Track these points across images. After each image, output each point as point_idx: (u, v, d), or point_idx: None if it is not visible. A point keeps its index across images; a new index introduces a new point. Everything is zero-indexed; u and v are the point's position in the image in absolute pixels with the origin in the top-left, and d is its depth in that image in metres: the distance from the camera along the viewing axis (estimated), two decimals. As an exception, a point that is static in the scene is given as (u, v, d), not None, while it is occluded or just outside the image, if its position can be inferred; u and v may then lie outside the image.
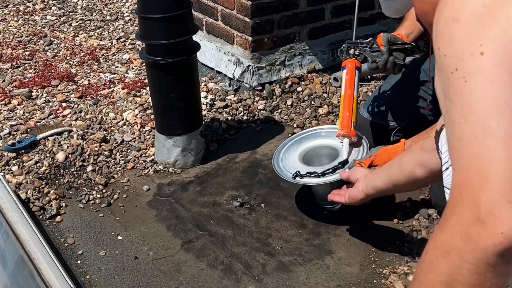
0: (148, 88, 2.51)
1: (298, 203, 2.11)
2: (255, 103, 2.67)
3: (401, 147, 1.85)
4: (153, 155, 2.36)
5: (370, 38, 2.03)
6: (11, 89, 2.86)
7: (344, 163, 1.91)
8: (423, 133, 1.87)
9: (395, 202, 2.09)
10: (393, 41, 1.99)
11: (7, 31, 3.54)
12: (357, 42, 2.01)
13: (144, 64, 2.81)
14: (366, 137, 2.03)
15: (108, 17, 3.68)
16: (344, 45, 2.03)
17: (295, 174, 1.92)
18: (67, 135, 2.44)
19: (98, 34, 3.47)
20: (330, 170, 1.90)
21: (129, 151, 2.38)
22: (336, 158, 1.97)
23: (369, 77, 2.86)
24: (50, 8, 3.83)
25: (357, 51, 2.00)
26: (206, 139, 2.37)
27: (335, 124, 2.52)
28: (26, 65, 3.12)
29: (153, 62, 2.13)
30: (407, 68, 2.03)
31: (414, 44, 2.03)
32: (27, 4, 3.92)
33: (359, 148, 1.95)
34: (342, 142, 1.96)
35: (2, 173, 2.21)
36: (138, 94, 2.77)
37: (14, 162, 2.29)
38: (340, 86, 2.70)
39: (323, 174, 1.90)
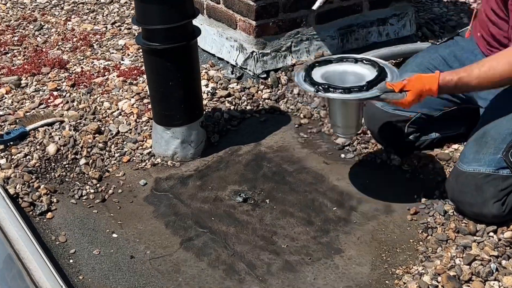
0: (145, 76, 2.50)
1: (305, 198, 2.07)
2: (259, 92, 2.65)
3: (435, 78, 1.78)
4: (151, 147, 2.34)
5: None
6: (-1, 76, 2.90)
7: (371, 83, 1.77)
8: (461, 69, 1.80)
9: (409, 197, 2.06)
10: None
11: (-5, 15, 3.59)
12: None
13: (140, 50, 2.80)
14: (380, 127, 1.98)
15: (102, 0, 3.68)
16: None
17: (317, 88, 1.78)
18: (58, 126, 2.43)
19: (91, 18, 3.46)
20: (356, 89, 1.78)
21: (124, 143, 2.37)
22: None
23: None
24: (41, -9, 3.85)
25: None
26: (207, 130, 2.35)
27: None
28: (15, 51, 3.11)
29: (150, 48, 2.11)
30: None
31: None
32: (17, -14, 3.91)
33: (389, 72, 1.84)
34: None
35: (-11, 166, 2.20)
36: (135, 82, 2.75)
37: (2, 154, 2.27)
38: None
39: (350, 90, 1.77)
